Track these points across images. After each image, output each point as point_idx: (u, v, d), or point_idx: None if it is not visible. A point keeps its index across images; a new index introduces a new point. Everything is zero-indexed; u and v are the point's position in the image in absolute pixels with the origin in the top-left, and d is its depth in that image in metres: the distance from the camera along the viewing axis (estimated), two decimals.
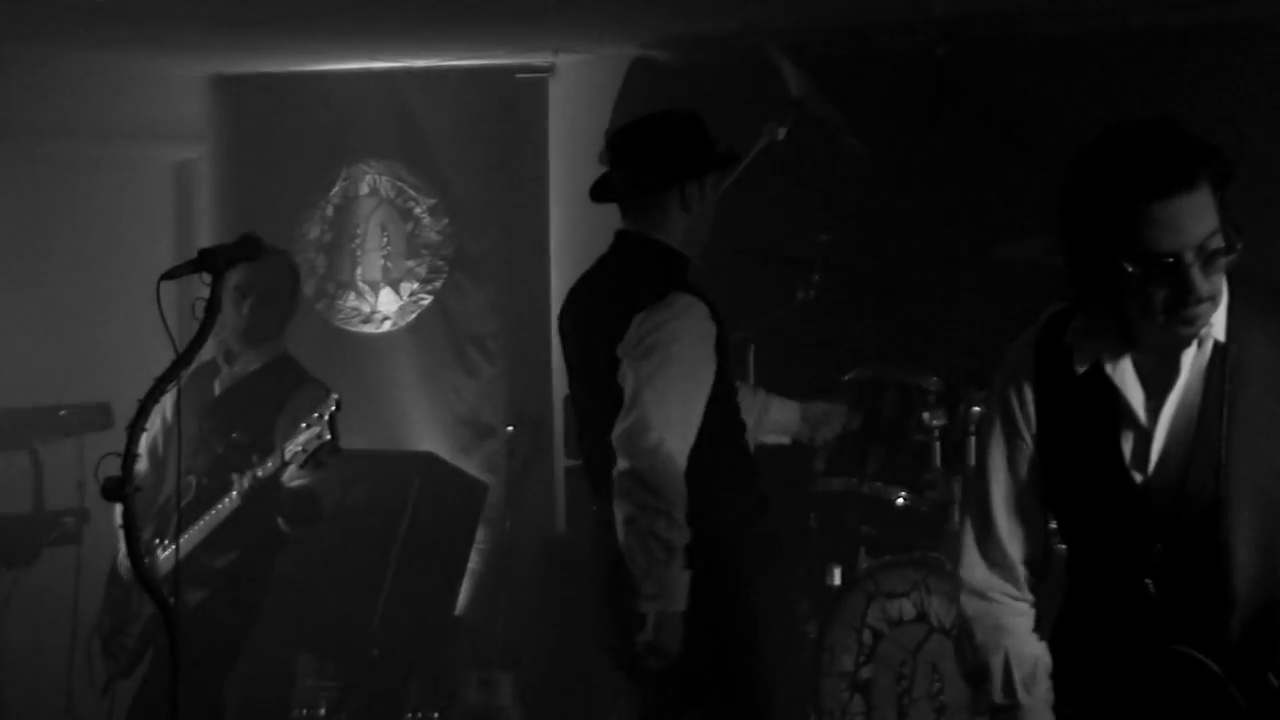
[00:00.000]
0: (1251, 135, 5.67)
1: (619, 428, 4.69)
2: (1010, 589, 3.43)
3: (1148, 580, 3.22)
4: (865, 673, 5.84)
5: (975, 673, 3.45)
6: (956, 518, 5.78)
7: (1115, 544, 3.29)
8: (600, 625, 4.97)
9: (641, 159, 4.87)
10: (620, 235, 4.95)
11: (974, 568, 3.45)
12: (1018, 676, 3.37)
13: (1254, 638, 3.17)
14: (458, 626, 7.38)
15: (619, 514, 4.67)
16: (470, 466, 7.64)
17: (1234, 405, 3.16)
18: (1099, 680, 3.34)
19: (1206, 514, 3.18)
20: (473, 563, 7.48)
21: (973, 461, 5.72)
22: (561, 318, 5.09)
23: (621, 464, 4.68)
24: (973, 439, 5.77)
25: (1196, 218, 3.07)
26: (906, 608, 5.80)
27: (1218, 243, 3.09)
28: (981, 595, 3.43)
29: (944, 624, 5.70)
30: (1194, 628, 3.21)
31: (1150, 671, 3.24)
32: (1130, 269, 3.09)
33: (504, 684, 6.91)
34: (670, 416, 4.69)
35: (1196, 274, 3.08)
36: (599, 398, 4.81)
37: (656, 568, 4.63)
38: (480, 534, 7.52)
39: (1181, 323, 3.15)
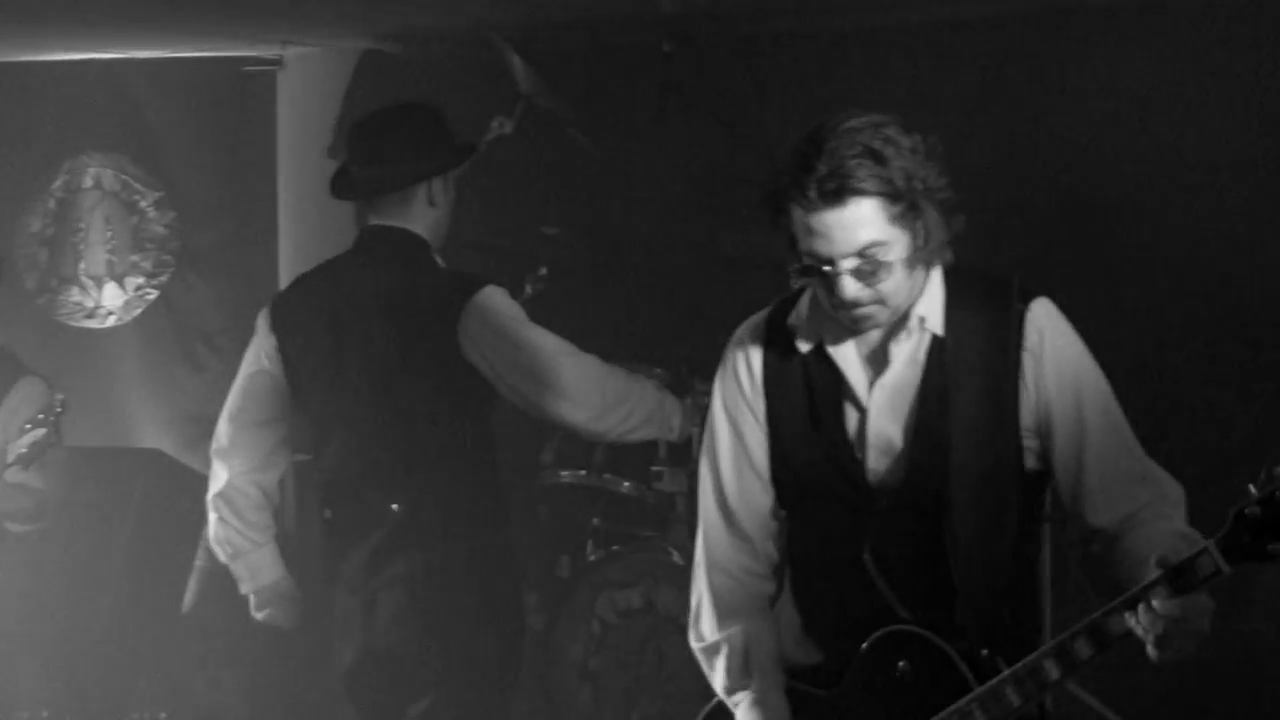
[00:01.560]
0: (968, 129, 5.77)
1: (576, 415, 4.69)
2: (750, 564, 3.48)
3: (865, 556, 3.27)
4: (594, 663, 5.81)
5: (710, 650, 3.48)
6: (683, 508, 5.79)
7: (836, 521, 3.35)
8: None
9: (388, 154, 4.78)
10: (372, 230, 4.84)
11: (716, 545, 3.49)
12: (755, 658, 3.42)
13: (977, 620, 3.24)
14: (184, 623, 7.21)
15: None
16: (197, 463, 7.44)
17: (952, 396, 3.26)
18: (825, 656, 3.39)
19: (927, 498, 3.26)
20: (199, 559, 7.30)
21: (697, 452, 5.67)
22: (284, 312, 4.93)
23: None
24: (696, 430, 5.64)
25: (851, 229, 3.15)
26: (635, 598, 5.76)
27: (886, 255, 3.17)
28: (725, 571, 3.47)
29: (672, 614, 5.65)
30: (917, 607, 3.28)
31: (874, 647, 3.28)
32: (801, 267, 3.24)
33: (230, 680, 6.80)
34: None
35: (846, 281, 3.18)
36: (399, 393, 4.70)
37: None
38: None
39: (849, 320, 3.27)
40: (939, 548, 3.24)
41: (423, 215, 4.81)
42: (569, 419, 4.87)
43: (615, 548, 5.91)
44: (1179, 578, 2.95)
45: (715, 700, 3.52)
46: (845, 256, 3.16)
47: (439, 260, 4.89)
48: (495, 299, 4.81)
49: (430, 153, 4.80)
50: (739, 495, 3.47)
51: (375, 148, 4.81)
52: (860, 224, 3.14)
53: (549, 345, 4.83)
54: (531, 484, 6.13)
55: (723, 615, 3.47)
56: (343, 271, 4.87)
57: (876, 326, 3.28)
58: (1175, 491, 3.31)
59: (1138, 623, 2.99)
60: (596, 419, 4.84)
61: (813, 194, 3.13)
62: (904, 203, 3.16)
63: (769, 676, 3.42)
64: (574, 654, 5.85)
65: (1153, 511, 3.26)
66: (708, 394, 5.64)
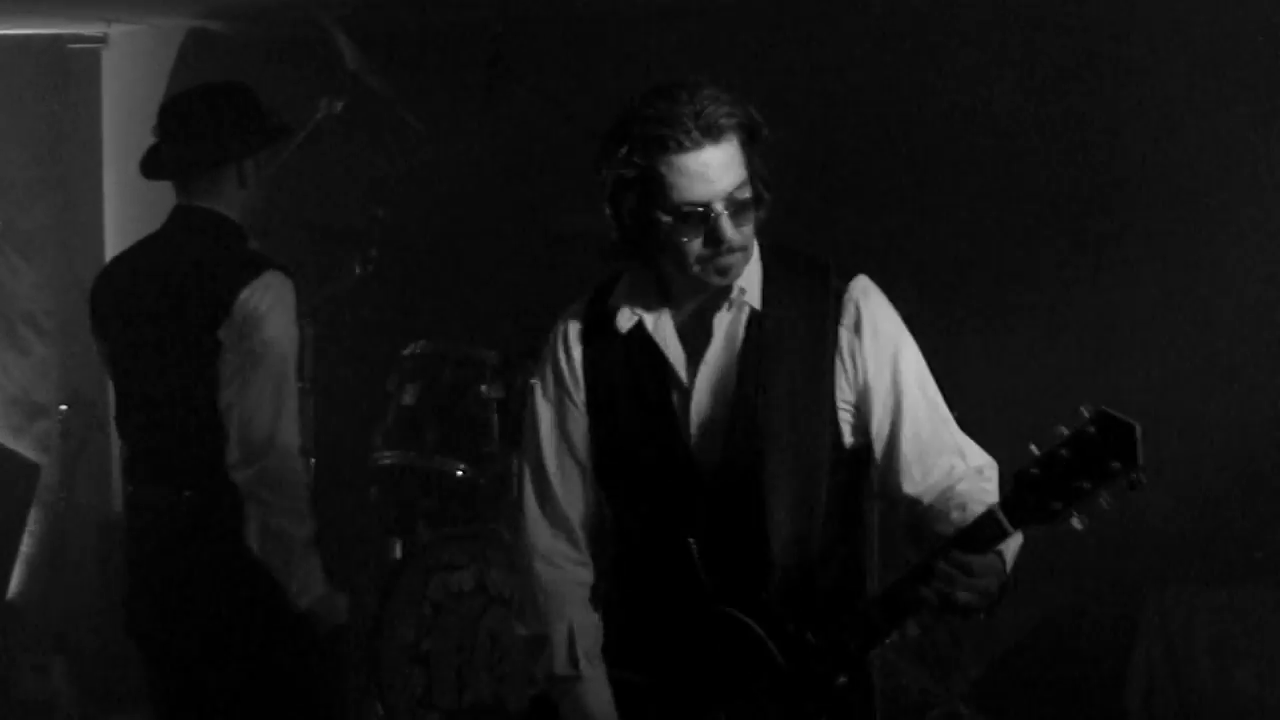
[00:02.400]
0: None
1: (247, 430, 4.51)
2: (572, 553, 3.45)
3: (691, 540, 3.25)
4: (426, 645, 5.77)
5: (536, 640, 3.44)
6: (516, 490, 5.51)
7: (661, 504, 3.33)
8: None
9: (196, 134, 4.69)
10: (180, 210, 4.77)
11: (539, 534, 3.45)
12: (580, 647, 3.39)
13: (792, 597, 3.23)
14: (9, 612, 7.10)
15: (253, 517, 4.47)
16: (21, 447, 7.35)
17: (769, 372, 3.25)
18: (649, 641, 3.37)
19: (747, 476, 3.24)
20: (25, 546, 7.21)
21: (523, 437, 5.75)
22: (102, 295, 4.85)
23: (248, 468, 4.50)
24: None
25: (723, 169, 3.18)
26: (466, 580, 5.75)
27: (746, 194, 3.21)
28: (548, 560, 3.43)
29: (503, 595, 5.67)
30: (736, 588, 3.25)
31: (697, 631, 3.26)
32: (665, 219, 3.19)
33: (58, 668, 6.68)
34: (288, 409, 4.56)
35: (725, 222, 3.18)
36: (173, 376, 4.62)
37: (295, 563, 4.50)
38: (32, 516, 7.22)
39: (715, 272, 3.24)
40: (760, 526, 3.23)
41: (232, 196, 4.67)
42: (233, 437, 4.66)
43: (447, 530, 5.90)
44: (967, 542, 2.98)
45: (537, 690, 3.51)
46: (721, 197, 3.18)
47: (252, 242, 4.82)
48: (275, 285, 4.61)
49: (241, 133, 4.65)
50: (560, 484, 3.43)
51: (184, 127, 4.67)
52: (732, 162, 3.19)
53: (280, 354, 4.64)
54: (362, 466, 6.08)
55: (546, 606, 3.44)
56: (153, 251, 4.80)
57: (735, 278, 3.26)
58: (988, 464, 3.32)
59: (929, 588, 3.00)
60: (240, 463, 4.65)
61: (694, 132, 3.14)
62: (755, 147, 3.24)
63: (594, 667, 3.40)
64: (406, 636, 5.81)
65: (967, 484, 3.26)
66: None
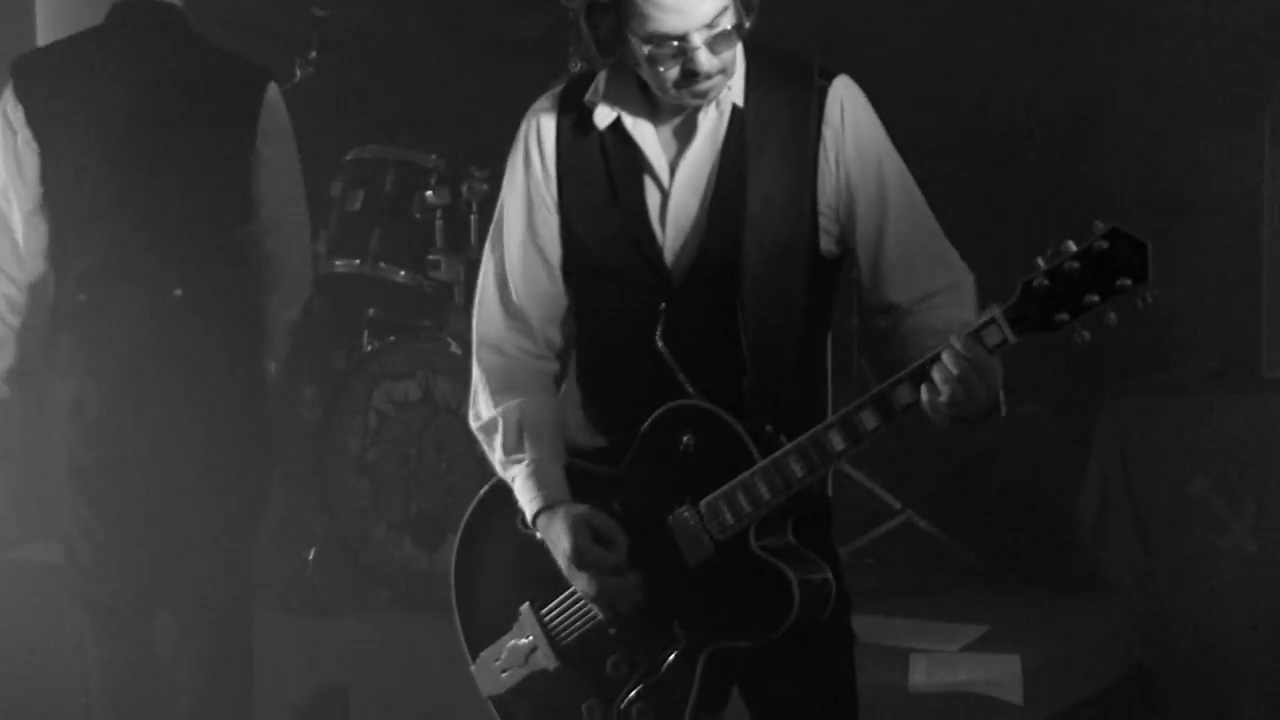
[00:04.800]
0: None
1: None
2: (529, 345, 3.39)
3: (661, 344, 3.22)
4: (371, 455, 5.76)
5: (487, 427, 3.38)
6: (461, 297, 5.77)
7: (631, 308, 3.28)
8: None
9: None
10: (124, 5, 4.55)
11: (491, 322, 3.39)
12: (528, 430, 3.33)
13: (760, 394, 3.20)
14: None
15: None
16: None
17: (750, 170, 3.20)
18: (610, 440, 3.33)
19: (722, 276, 3.20)
20: None
21: (474, 240, 5.73)
22: (31, 80, 4.57)
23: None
24: (475, 217, 5.74)
25: (699, 0, 3.10)
26: (412, 389, 5.70)
27: (726, 23, 3.12)
28: (498, 350, 3.38)
29: (450, 405, 5.63)
30: (704, 385, 3.22)
31: (658, 422, 3.23)
32: (641, 47, 3.13)
33: None
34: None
35: (703, 54, 3.12)
36: (132, 184, 4.47)
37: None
38: None
39: (692, 96, 3.19)
40: (731, 327, 3.19)
41: None
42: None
43: (392, 338, 5.85)
44: (965, 347, 2.89)
45: (489, 484, 3.47)
46: (699, 27, 3.10)
47: (205, 39, 4.62)
48: (279, 100, 4.65)
49: None
50: (521, 276, 3.36)
51: None
52: None
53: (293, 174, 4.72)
54: None
55: (496, 391, 3.37)
56: (98, 51, 4.55)
57: (714, 100, 3.22)
58: (969, 280, 3.28)
59: (926, 391, 2.94)
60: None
61: None
62: None
63: (546, 447, 3.33)
64: (351, 447, 5.81)
65: (947, 297, 3.23)
66: (485, 181, 5.62)
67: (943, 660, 4.99)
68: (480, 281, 3.43)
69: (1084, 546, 5.34)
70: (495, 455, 3.36)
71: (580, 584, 3.24)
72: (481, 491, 3.47)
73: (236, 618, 4.69)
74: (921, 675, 4.90)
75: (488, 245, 3.42)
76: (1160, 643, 5.11)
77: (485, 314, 3.40)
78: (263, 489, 4.74)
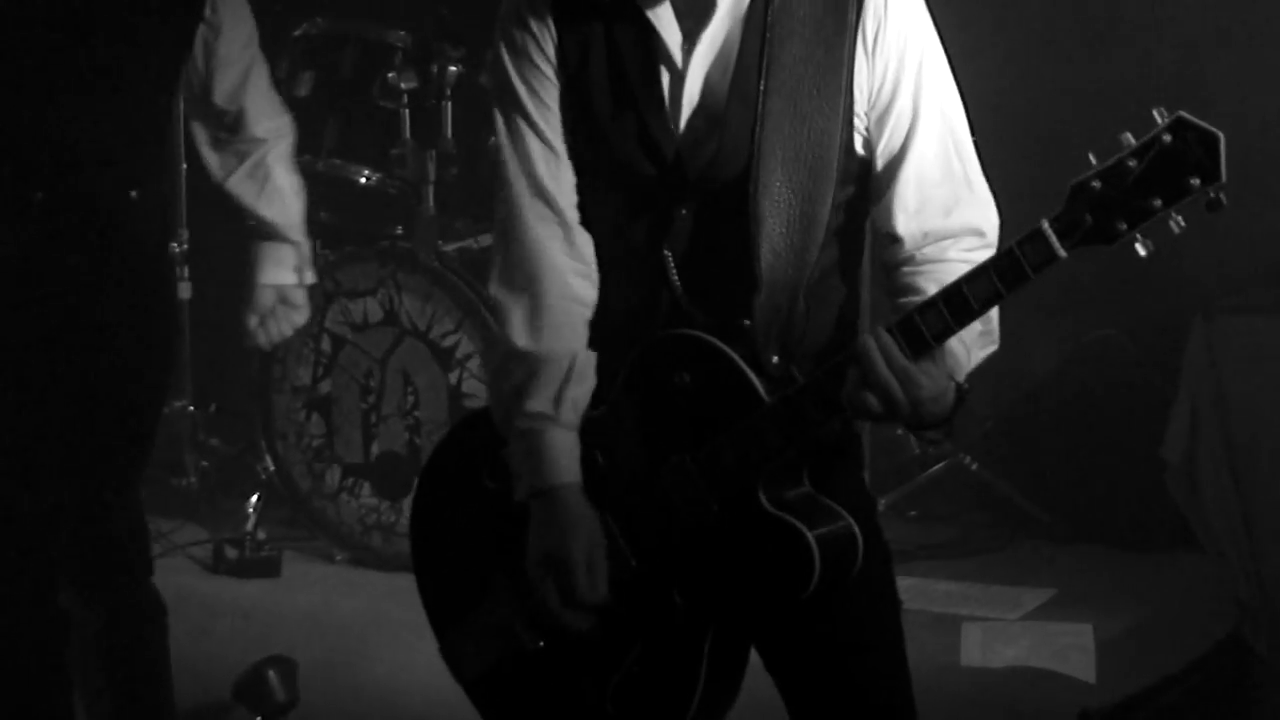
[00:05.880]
0: None
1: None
2: (579, 265, 3.28)
3: (666, 252, 3.15)
4: (324, 387, 5.74)
5: (522, 361, 3.25)
6: (432, 200, 5.70)
7: (636, 208, 3.22)
8: None
9: None
10: None
11: (539, 240, 3.27)
12: (571, 391, 3.24)
13: (776, 326, 3.13)
14: None
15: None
16: None
17: (776, 55, 3.12)
18: (600, 375, 3.25)
19: (739, 176, 3.12)
20: None
21: (448, 132, 5.75)
22: None
23: None
24: (449, 105, 5.70)
25: None
26: (373, 308, 5.65)
27: None
28: (541, 262, 3.25)
29: (418, 326, 5.56)
30: (714, 310, 3.14)
31: (647, 355, 3.17)
32: None
33: None
34: None
35: None
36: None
37: None
38: None
39: None
40: (745, 239, 3.11)
41: None
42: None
43: (348, 249, 5.76)
44: (1007, 269, 2.82)
45: (452, 427, 3.43)
46: None
47: None
48: None
49: None
50: (549, 172, 3.27)
51: None
52: None
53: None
54: None
55: (547, 325, 3.25)
56: None
57: None
58: (992, 223, 3.18)
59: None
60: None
61: None
62: None
63: (575, 416, 3.22)
64: (301, 377, 5.75)
65: (961, 245, 3.14)
66: (458, 62, 5.63)
67: (1001, 630, 4.99)
68: (507, 193, 3.31)
69: (1169, 495, 5.17)
70: (518, 401, 3.24)
71: (544, 591, 3.16)
72: (443, 435, 3.37)
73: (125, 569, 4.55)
74: (975, 648, 4.90)
75: (502, 148, 3.30)
76: (1258, 609, 4.89)
77: (527, 230, 3.29)
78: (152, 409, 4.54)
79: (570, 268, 3.29)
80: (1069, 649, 4.90)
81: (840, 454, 3.19)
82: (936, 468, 5.90)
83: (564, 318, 3.28)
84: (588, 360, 3.27)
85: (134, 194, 4.28)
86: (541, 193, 3.28)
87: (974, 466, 5.86)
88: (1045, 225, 2.79)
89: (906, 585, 3.38)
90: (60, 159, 4.23)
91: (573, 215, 3.28)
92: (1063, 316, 6.08)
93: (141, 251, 4.35)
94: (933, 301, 2.87)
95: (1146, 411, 5.57)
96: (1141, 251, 2.76)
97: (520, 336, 3.25)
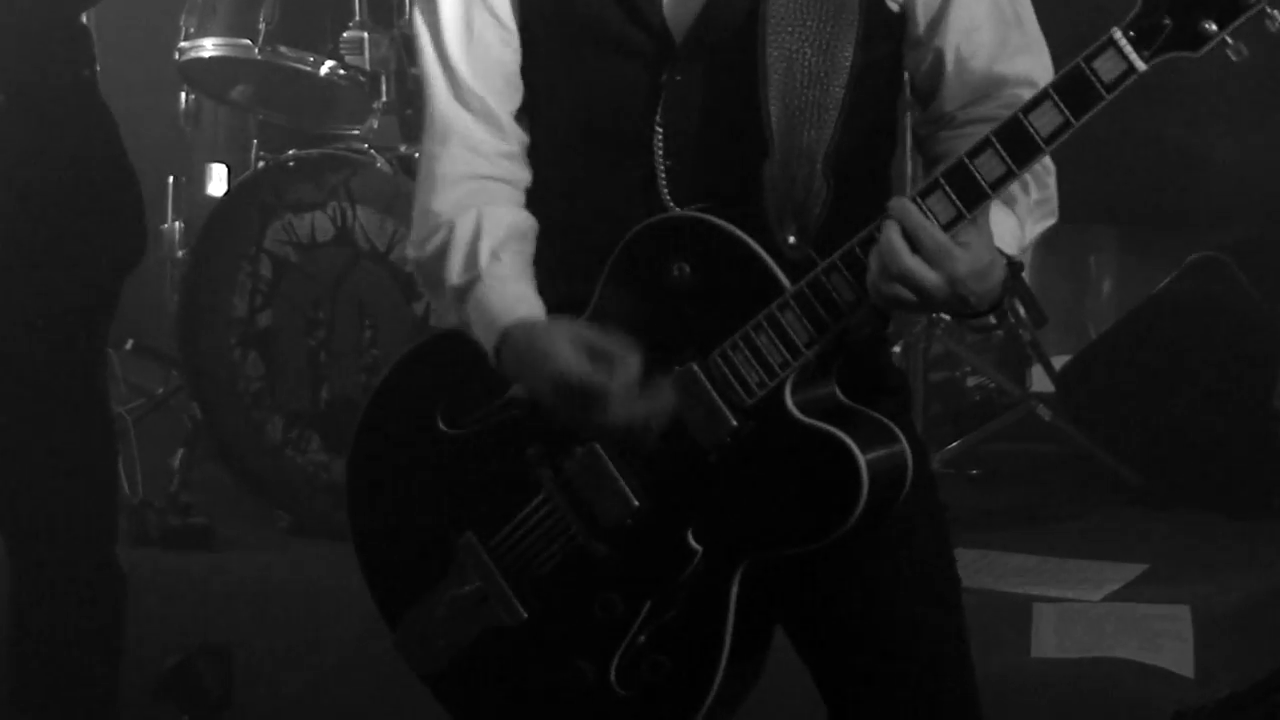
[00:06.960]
0: None
1: None
2: (491, 139, 3.34)
3: (658, 128, 3.19)
4: (263, 319, 5.69)
5: (432, 249, 3.31)
6: (393, 94, 5.75)
7: (614, 82, 3.25)
8: None
9: None
10: None
11: (436, 114, 3.33)
12: (486, 243, 3.26)
13: (792, 204, 3.15)
14: None
15: None
16: None
17: None
18: (580, 277, 3.25)
19: (737, 31, 3.16)
20: None
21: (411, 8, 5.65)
22: None
23: None
24: None
25: None
26: (321, 224, 5.60)
27: None
28: (446, 146, 3.31)
29: (376, 245, 5.52)
30: (713, 184, 3.16)
31: (636, 244, 3.21)
32: None
33: None
34: None
35: None
36: None
37: None
38: None
39: None
40: (751, 104, 3.11)
41: None
42: None
43: (291, 153, 5.66)
44: (1073, 91, 2.81)
45: (394, 363, 3.38)
46: None
47: None
48: None
49: None
50: (465, 45, 3.27)
51: None
52: None
53: None
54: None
55: (445, 197, 3.31)
56: None
57: None
58: (1049, 71, 3.16)
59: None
60: None
61: None
62: None
63: (500, 262, 3.24)
64: (236, 307, 5.71)
65: (1010, 98, 3.10)
66: None
67: (1080, 613, 5.01)
68: (423, 64, 3.32)
69: None
70: (443, 286, 3.26)
71: (593, 416, 3.08)
72: (384, 373, 3.33)
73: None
74: (1049, 635, 4.91)
75: (416, 8, 3.29)
76: None
77: (430, 103, 3.31)
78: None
79: (493, 150, 3.33)
80: (1162, 635, 4.90)
81: (882, 389, 3.18)
82: (1003, 418, 5.90)
83: (469, 189, 3.33)
84: (500, 214, 3.31)
85: None
86: (458, 74, 3.32)
87: (1048, 416, 5.83)
88: (1116, 33, 2.78)
89: (967, 559, 3.31)
90: None
91: (498, 101, 3.32)
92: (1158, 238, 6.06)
93: None
94: (986, 141, 2.84)
95: (1256, 350, 5.73)
96: (1233, 58, 2.75)
97: (422, 230, 3.30)
